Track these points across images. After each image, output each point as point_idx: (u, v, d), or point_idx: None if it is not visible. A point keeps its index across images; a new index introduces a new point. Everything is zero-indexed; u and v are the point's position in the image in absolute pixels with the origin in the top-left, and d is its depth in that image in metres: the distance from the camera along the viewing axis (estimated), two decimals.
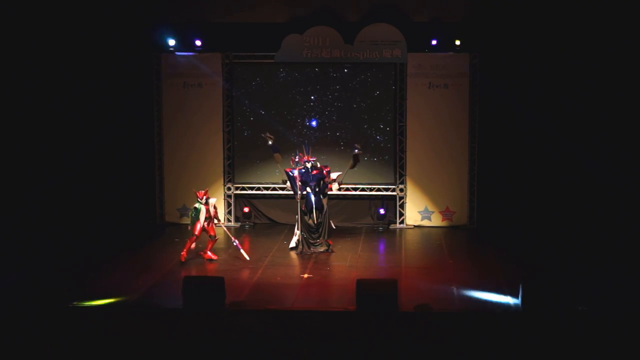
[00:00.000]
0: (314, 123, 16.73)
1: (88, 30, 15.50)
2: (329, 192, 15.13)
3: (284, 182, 15.64)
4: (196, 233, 13.74)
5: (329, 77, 16.79)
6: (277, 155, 15.35)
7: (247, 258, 13.81)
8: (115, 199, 16.33)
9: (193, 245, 13.83)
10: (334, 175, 14.95)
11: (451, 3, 16.30)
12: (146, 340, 10.29)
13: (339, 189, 15.91)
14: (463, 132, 16.45)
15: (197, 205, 13.83)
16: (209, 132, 16.91)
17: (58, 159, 15.42)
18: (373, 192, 16.93)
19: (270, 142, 15.23)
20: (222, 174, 17.03)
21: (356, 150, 15.02)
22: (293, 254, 14.55)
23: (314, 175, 14.55)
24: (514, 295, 11.40)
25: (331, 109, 16.84)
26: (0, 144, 14.40)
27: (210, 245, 13.93)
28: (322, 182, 14.61)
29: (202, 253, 13.91)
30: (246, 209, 17.21)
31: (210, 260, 13.83)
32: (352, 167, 15.19)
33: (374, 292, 10.96)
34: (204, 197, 13.81)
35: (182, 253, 13.75)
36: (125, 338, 10.35)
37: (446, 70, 16.37)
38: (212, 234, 13.89)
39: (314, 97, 16.82)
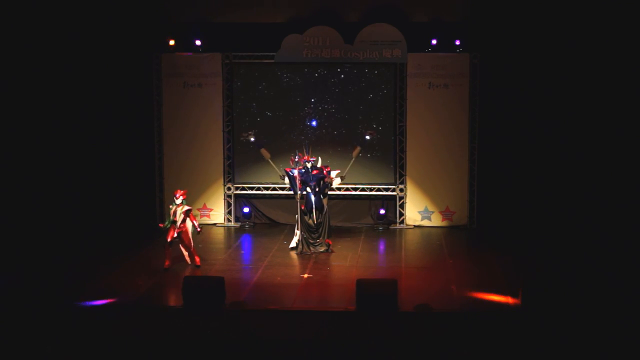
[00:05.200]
0: (314, 123, 16.74)
1: (88, 30, 15.50)
2: (330, 192, 15.14)
3: (282, 177, 15.42)
4: (168, 239, 13.31)
5: (328, 77, 16.79)
6: (263, 150, 15.29)
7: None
8: (115, 199, 16.32)
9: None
10: (334, 174, 14.95)
11: (451, 3, 16.31)
12: (146, 340, 10.29)
13: (339, 188, 15.90)
14: (463, 132, 16.45)
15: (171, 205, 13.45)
16: (209, 132, 16.91)
17: (58, 159, 15.41)
18: (373, 192, 16.93)
19: (252, 139, 15.22)
20: (222, 174, 17.03)
21: (367, 137, 15.07)
22: (293, 254, 14.56)
23: (314, 175, 14.55)
24: (514, 295, 11.40)
25: (331, 109, 16.84)
26: (0, 144, 14.40)
27: (192, 253, 13.54)
28: (322, 182, 14.62)
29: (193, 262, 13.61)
30: (246, 209, 17.22)
31: (197, 266, 13.42)
32: (358, 153, 15.20)
33: (374, 292, 10.96)
34: (180, 197, 13.35)
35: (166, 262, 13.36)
36: (125, 338, 10.35)
37: (446, 70, 16.37)
38: (185, 242, 13.42)
39: (314, 96, 16.82)
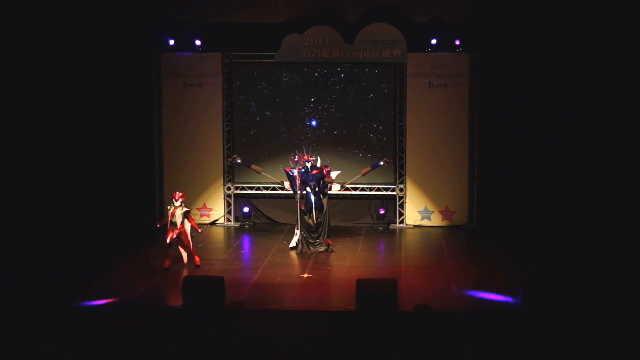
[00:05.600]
0: (314, 123, 16.73)
1: (88, 30, 15.50)
2: (329, 192, 15.15)
3: (282, 184, 15.68)
4: (167, 241, 13.31)
5: (329, 77, 16.78)
6: (253, 167, 15.50)
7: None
8: (116, 199, 16.32)
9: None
10: (333, 174, 14.96)
11: (451, 3, 16.30)
12: (146, 340, 10.29)
13: (340, 189, 15.92)
14: (463, 132, 16.45)
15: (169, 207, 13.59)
16: (209, 132, 16.91)
17: (58, 159, 15.41)
18: (373, 192, 16.93)
19: (239, 161, 15.41)
20: (222, 174, 17.03)
21: (382, 163, 15.08)
22: (293, 254, 14.56)
23: (314, 175, 14.55)
24: (514, 295, 11.40)
25: (331, 109, 16.83)
26: (0, 144, 14.40)
27: (192, 253, 13.54)
28: (322, 182, 14.62)
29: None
30: (246, 209, 17.22)
31: (197, 266, 13.40)
32: (366, 174, 15.24)
33: (374, 292, 10.97)
34: (180, 200, 13.35)
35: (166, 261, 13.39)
36: (125, 338, 10.35)
37: (446, 70, 16.36)
38: (184, 242, 13.41)
39: (314, 96, 16.80)
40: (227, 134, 17.02)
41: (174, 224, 13.34)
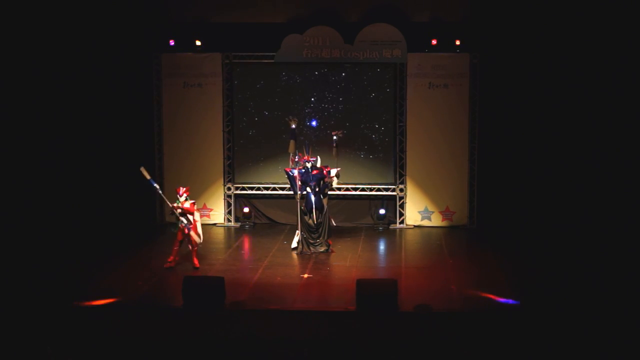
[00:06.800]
0: (314, 123, 16.72)
1: (88, 30, 15.50)
2: (330, 192, 15.12)
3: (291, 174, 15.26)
4: (179, 239, 13.30)
5: (329, 76, 16.79)
6: (292, 142, 14.94)
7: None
8: (115, 199, 16.31)
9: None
10: (333, 172, 14.92)
11: (451, 3, 16.30)
12: (146, 340, 10.29)
13: (339, 188, 15.88)
14: (463, 132, 16.45)
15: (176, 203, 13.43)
16: (209, 132, 16.91)
17: (58, 159, 15.41)
18: (373, 192, 16.93)
19: (293, 126, 14.97)
20: (222, 174, 17.03)
21: (334, 137, 14.86)
22: (293, 254, 14.56)
23: (314, 175, 14.55)
24: (514, 295, 11.40)
25: (331, 109, 16.83)
26: (0, 144, 14.40)
27: (193, 254, 13.48)
28: (322, 182, 14.62)
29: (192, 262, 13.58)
30: (246, 209, 17.22)
31: (195, 268, 13.35)
32: (336, 153, 15.03)
33: (374, 292, 10.97)
34: (184, 195, 13.28)
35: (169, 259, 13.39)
36: (125, 338, 10.35)
37: (446, 70, 16.36)
38: (191, 239, 13.33)
39: (315, 95, 16.80)
40: (227, 133, 17.02)
41: (190, 221, 13.27)
